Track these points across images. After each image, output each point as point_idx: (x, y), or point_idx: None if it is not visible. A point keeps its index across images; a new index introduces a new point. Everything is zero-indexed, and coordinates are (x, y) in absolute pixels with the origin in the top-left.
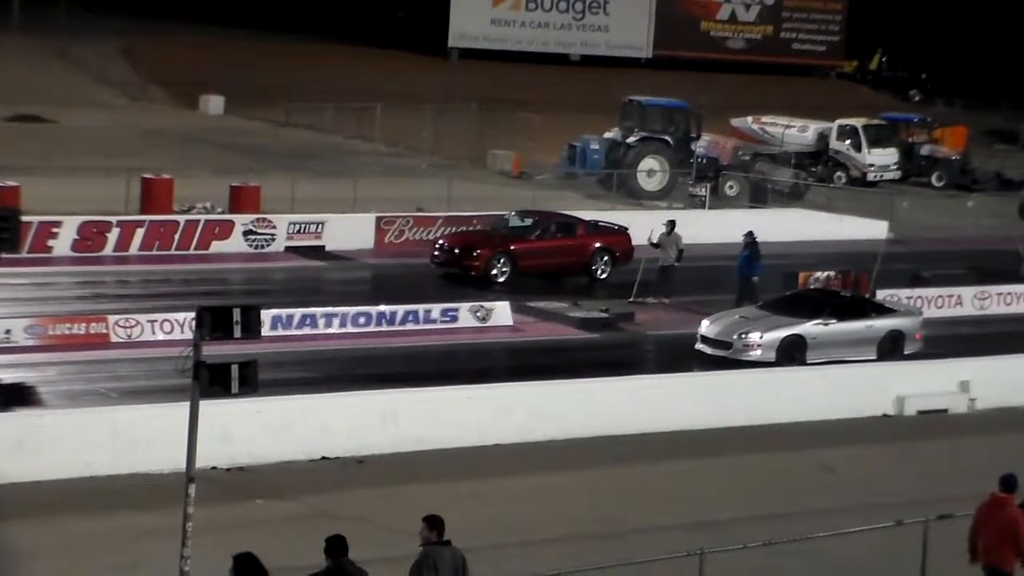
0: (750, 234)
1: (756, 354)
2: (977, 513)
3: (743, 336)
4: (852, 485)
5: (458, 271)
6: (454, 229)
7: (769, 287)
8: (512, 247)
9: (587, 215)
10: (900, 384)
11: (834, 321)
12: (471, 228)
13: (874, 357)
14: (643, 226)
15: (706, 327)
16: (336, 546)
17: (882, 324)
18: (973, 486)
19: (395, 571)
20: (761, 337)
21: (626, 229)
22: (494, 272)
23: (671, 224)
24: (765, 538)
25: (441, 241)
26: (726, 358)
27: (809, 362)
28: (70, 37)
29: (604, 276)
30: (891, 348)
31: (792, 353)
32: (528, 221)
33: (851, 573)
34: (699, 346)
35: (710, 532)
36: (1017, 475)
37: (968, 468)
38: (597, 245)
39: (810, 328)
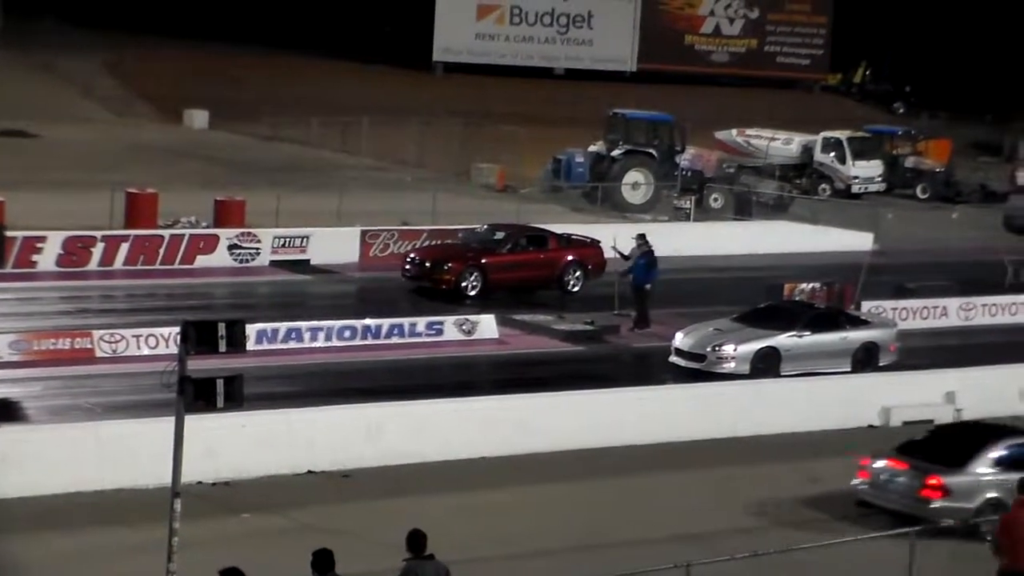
0: (642, 237)
1: (730, 366)
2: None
3: (717, 348)
4: (838, 496)
5: (429, 284)
6: (436, 242)
7: (753, 299)
8: (483, 260)
9: (572, 229)
10: (886, 395)
11: (808, 333)
12: (441, 242)
13: (848, 369)
14: (627, 239)
15: (680, 339)
16: (322, 561)
17: (856, 336)
18: None
19: None
20: (735, 349)
21: (598, 242)
22: (465, 285)
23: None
24: (751, 550)
25: (412, 255)
26: (700, 370)
27: (783, 374)
28: (55, 51)
29: (576, 289)
30: (865, 360)
31: (766, 365)
32: (500, 234)
33: None
34: (673, 358)
35: (697, 544)
36: None
37: None
38: (569, 258)
39: (784, 340)
